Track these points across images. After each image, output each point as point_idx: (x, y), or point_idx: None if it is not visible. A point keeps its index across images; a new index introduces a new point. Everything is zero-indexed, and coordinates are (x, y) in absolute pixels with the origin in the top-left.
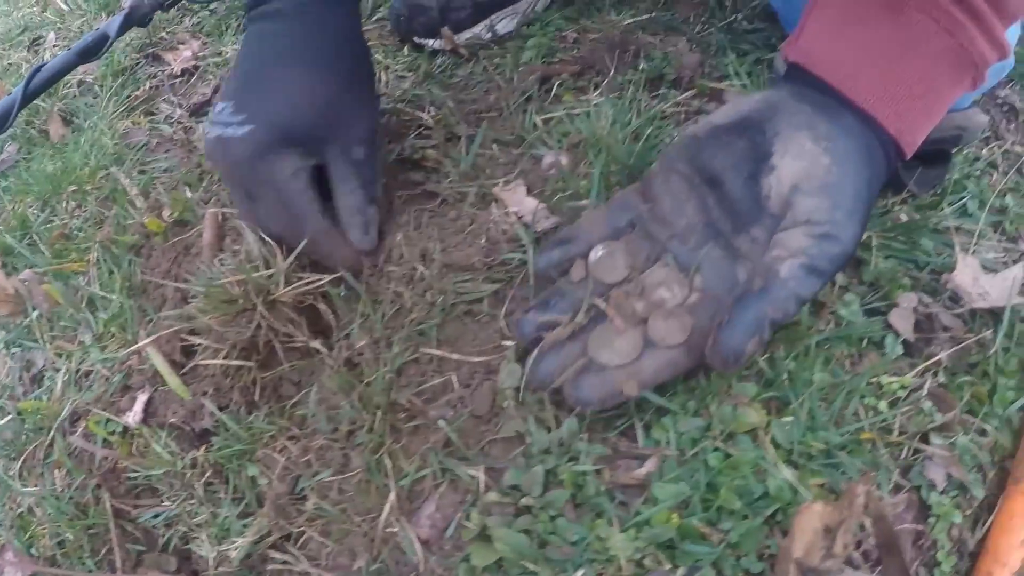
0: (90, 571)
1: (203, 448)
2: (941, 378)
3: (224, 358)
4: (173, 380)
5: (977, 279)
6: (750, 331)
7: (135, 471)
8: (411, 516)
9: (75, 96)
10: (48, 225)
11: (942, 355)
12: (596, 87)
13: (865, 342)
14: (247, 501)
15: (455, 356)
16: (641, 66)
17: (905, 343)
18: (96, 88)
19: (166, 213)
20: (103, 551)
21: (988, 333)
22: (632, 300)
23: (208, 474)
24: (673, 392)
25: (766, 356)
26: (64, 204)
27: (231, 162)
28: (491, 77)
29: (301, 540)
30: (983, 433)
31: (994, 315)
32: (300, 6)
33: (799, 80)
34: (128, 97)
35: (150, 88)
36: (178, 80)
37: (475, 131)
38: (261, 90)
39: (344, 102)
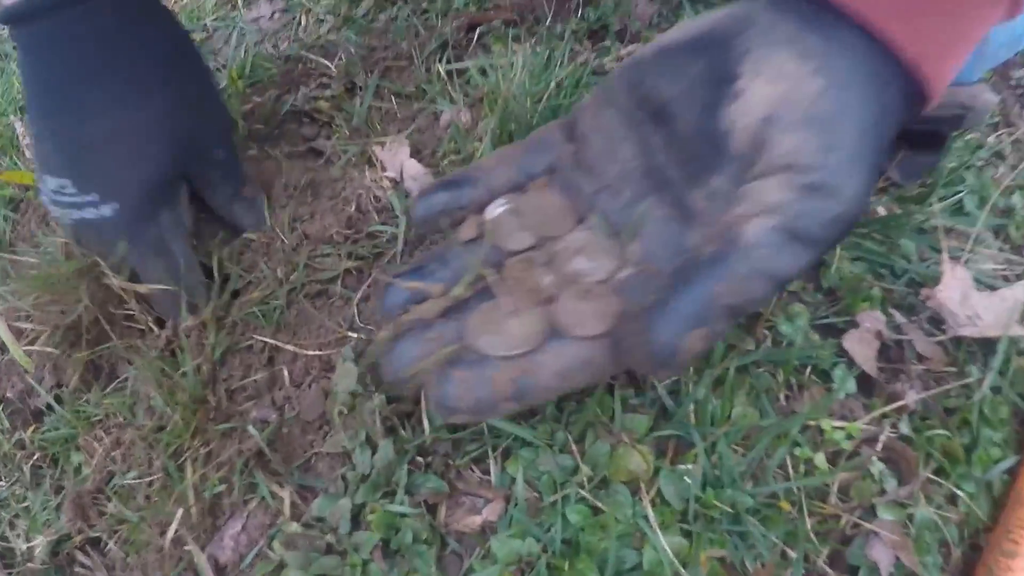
0: None
1: (32, 429)
2: (904, 427)
3: (48, 339)
4: (16, 350)
5: (967, 297)
6: (691, 319)
7: None
8: (214, 533)
9: (3, 37)
10: None
11: (909, 396)
12: (533, 36)
13: (808, 371)
14: (67, 491)
15: (289, 347)
16: (585, 15)
17: (862, 376)
18: None
19: None
20: None
21: (975, 369)
22: (537, 271)
23: (36, 457)
24: (540, 416)
25: (668, 380)
26: None
27: (107, 242)
28: (413, 23)
29: (106, 546)
30: (953, 501)
31: (985, 346)
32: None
33: None
34: None
35: None
36: None
37: (379, 82)
38: (97, 159)
39: (190, 116)
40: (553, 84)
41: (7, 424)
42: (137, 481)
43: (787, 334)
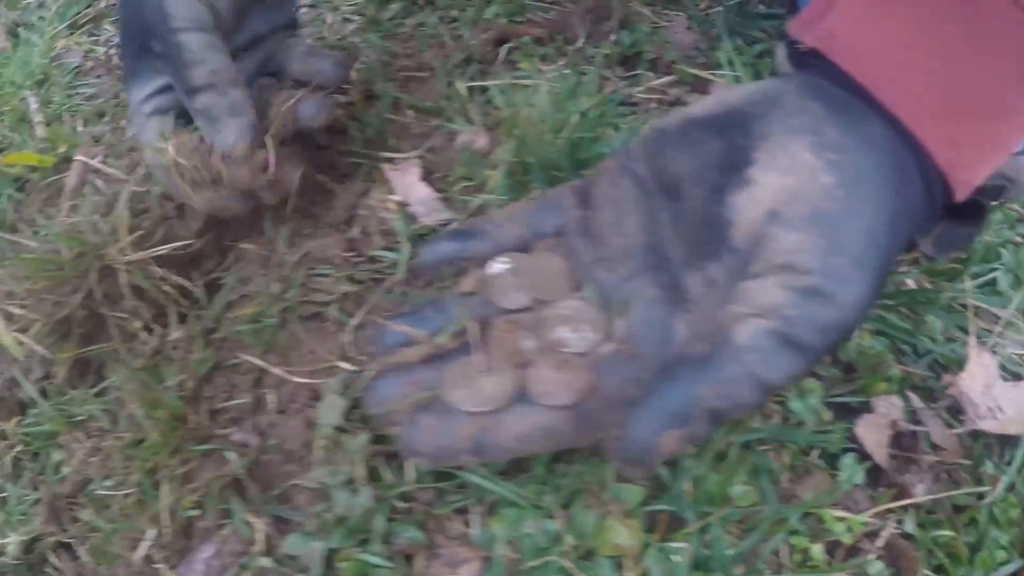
0: None
1: (15, 420)
2: (909, 525)
3: (39, 330)
4: (7, 339)
5: (990, 388)
6: (669, 418)
7: None
8: (186, 555)
9: (29, 7)
10: None
11: (919, 490)
12: (563, 56)
13: (816, 454)
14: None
15: (277, 370)
16: (619, 39)
17: (870, 467)
18: (49, 1)
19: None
20: None
21: (991, 464)
22: (521, 334)
23: (18, 449)
24: (529, 474)
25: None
26: None
27: None
28: (440, 32)
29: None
30: None
31: (1004, 442)
32: None
33: (815, 71)
34: (79, 13)
35: (104, 6)
36: None
37: (397, 93)
38: None
39: None
40: (577, 115)
41: None
42: (112, 493)
43: (797, 412)
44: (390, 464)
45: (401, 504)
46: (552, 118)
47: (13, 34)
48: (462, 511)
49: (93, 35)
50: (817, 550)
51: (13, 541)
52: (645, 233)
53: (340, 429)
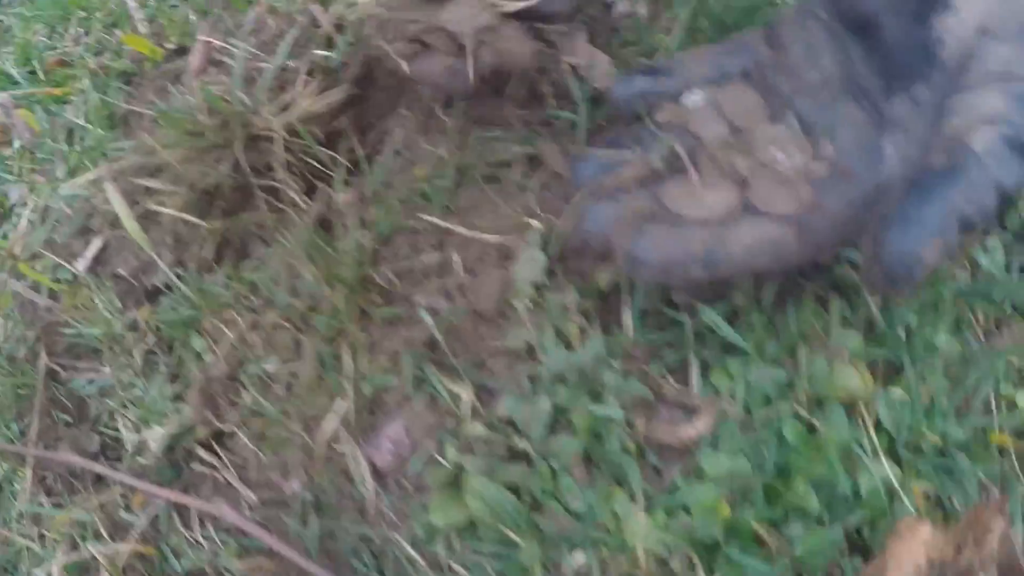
0: (10, 440)
1: (146, 309)
2: None
3: (182, 204)
4: (130, 224)
5: None
6: (932, 229)
7: (73, 327)
8: (368, 434)
9: None
10: (50, 52)
11: None
12: None
13: (1009, 307)
14: (186, 380)
15: (461, 229)
16: None
17: None
18: None
19: (169, 41)
20: (28, 417)
21: None
22: (733, 153)
23: (151, 341)
24: (748, 325)
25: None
26: (71, 30)
27: None
28: None
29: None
30: None
31: None
32: None
33: None
34: None
35: None
36: None
37: None
38: None
39: None
40: None
41: (118, 304)
42: (278, 369)
43: (985, 266)
44: (600, 321)
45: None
46: None
47: None
48: (674, 370)
49: None
50: (1022, 397)
51: (157, 435)
52: (840, 66)
53: (540, 287)
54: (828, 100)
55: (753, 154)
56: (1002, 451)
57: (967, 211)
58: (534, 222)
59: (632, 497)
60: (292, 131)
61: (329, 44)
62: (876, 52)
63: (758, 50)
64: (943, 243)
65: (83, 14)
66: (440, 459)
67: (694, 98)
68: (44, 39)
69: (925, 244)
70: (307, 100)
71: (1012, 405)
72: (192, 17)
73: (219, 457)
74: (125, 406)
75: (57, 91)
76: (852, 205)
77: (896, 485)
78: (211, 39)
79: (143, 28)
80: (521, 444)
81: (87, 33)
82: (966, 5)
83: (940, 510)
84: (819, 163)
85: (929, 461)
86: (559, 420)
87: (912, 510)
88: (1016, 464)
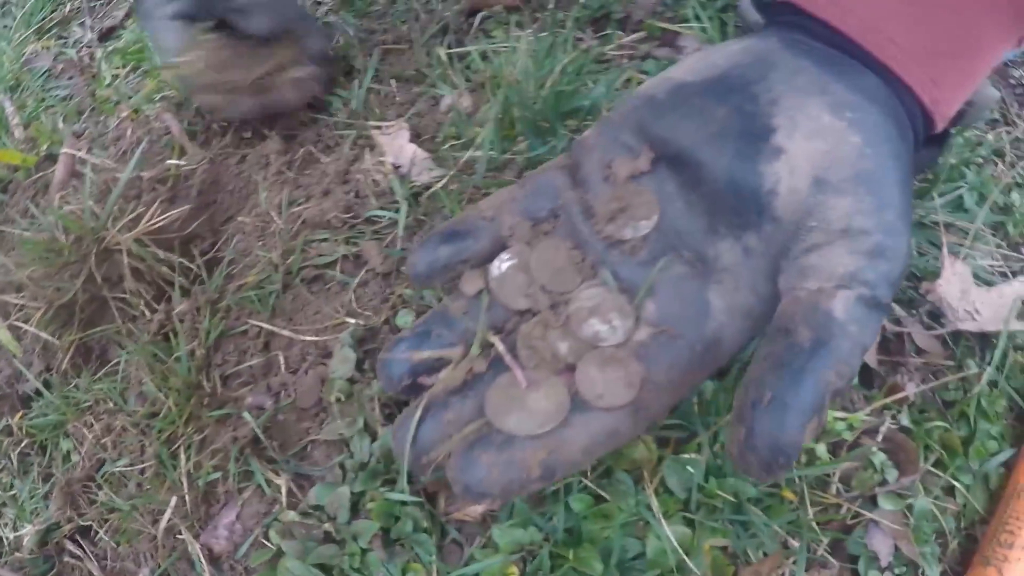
0: None
1: (20, 414)
2: (904, 419)
3: (42, 318)
4: (3, 334)
5: (967, 293)
6: (808, 411)
7: None
8: (208, 522)
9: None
10: None
11: (909, 388)
12: (535, 22)
13: None
14: (56, 479)
15: (285, 332)
16: (587, 2)
17: (863, 368)
18: (13, 9)
19: (40, 149)
20: None
21: (973, 363)
22: (552, 336)
23: (24, 444)
24: None
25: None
26: None
27: None
28: (413, 6)
29: (97, 535)
30: (950, 492)
31: (983, 340)
32: None
33: (791, 26)
34: (44, 18)
35: (70, 10)
36: (99, 2)
37: (377, 65)
38: None
39: None
40: (557, 69)
41: None
42: (128, 468)
43: None
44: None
45: None
46: (534, 74)
47: None
48: None
49: (61, 38)
50: (822, 449)
51: (29, 532)
52: (652, 208)
53: (352, 381)
54: (644, 255)
55: (574, 332)
56: (801, 501)
57: (838, 385)
58: (351, 319)
59: (428, 572)
60: (144, 242)
61: (182, 151)
62: (696, 189)
63: (563, 193)
64: (817, 423)
65: None
66: (266, 542)
67: (502, 265)
68: None
69: (803, 427)
70: (154, 213)
71: (812, 456)
72: (61, 124)
73: (84, 550)
74: (5, 504)
75: None
76: (679, 369)
77: (676, 544)
78: (74, 151)
79: (19, 133)
80: (329, 528)
81: None
82: (796, 151)
83: (736, 562)
84: (642, 329)
85: (724, 517)
86: (361, 506)
87: (696, 569)
88: (810, 512)
